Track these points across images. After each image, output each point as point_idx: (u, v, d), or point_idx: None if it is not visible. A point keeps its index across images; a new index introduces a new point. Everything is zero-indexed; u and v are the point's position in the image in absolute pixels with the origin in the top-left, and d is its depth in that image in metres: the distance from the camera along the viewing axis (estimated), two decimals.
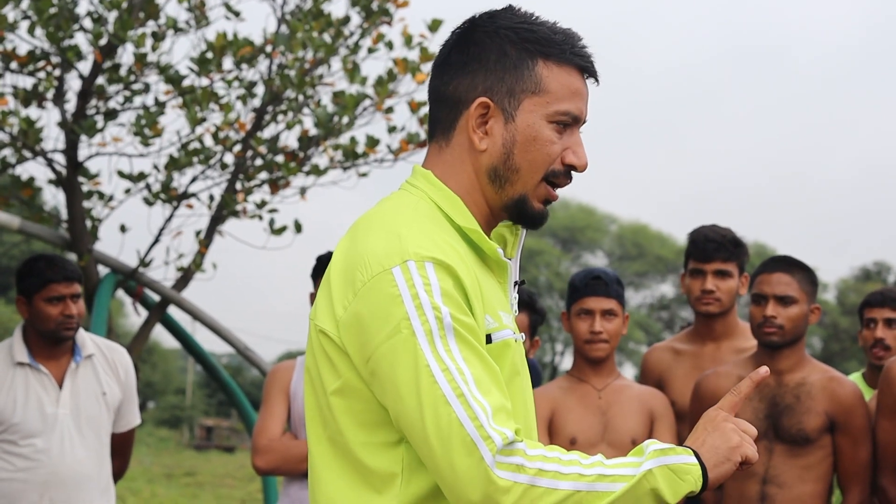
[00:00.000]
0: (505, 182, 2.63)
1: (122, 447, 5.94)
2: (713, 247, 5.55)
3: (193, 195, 8.32)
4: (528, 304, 5.87)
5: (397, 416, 2.43)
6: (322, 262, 5.48)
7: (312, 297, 5.50)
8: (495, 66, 2.62)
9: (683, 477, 2.42)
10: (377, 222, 2.58)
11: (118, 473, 5.97)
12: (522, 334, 2.69)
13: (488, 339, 2.53)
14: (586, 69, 2.67)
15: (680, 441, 5.35)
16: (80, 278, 5.71)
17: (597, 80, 2.70)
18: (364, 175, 8.45)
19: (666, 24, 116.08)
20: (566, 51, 2.63)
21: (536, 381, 6.07)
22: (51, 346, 5.67)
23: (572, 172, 2.67)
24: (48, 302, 5.61)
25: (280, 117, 8.38)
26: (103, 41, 7.60)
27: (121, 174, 7.99)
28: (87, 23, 7.70)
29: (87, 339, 5.77)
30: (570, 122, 2.64)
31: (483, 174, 2.64)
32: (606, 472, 2.39)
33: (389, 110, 8.29)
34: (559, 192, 2.69)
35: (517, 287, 2.77)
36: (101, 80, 7.91)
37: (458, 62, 2.67)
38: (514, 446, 2.35)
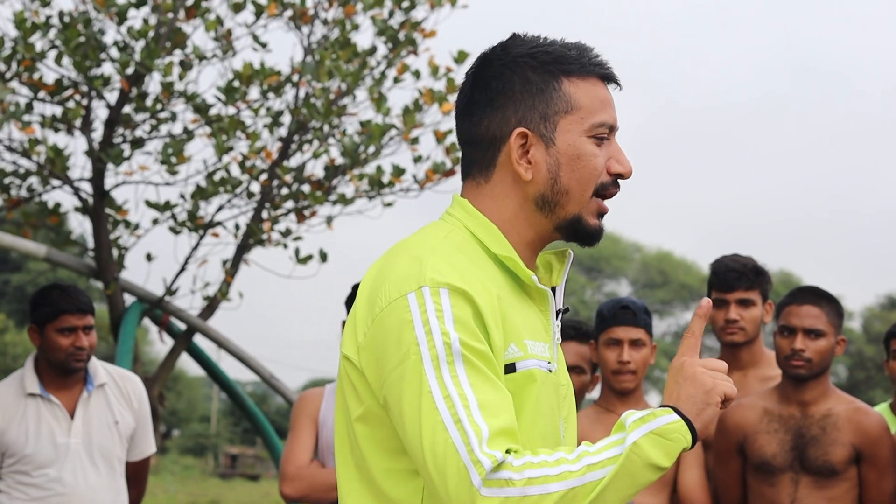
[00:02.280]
0: (555, 206, 2.61)
1: (137, 476, 5.92)
2: (734, 276, 5.53)
3: (220, 224, 8.34)
4: (585, 333, 5.72)
5: (403, 440, 2.43)
6: (357, 291, 5.45)
7: (344, 324, 5.49)
8: (522, 94, 2.60)
9: (671, 437, 2.40)
10: (406, 249, 2.58)
11: (135, 502, 5.95)
12: (555, 363, 2.64)
13: (512, 369, 2.51)
14: (607, 76, 2.65)
15: (709, 474, 5.33)
16: (93, 310, 5.70)
17: (619, 85, 2.68)
18: (389, 205, 8.46)
19: (713, 57, 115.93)
20: (585, 63, 2.61)
21: None
22: (62, 376, 5.66)
23: (619, 181, 2.65)
24: (59, 333, 5.60)
25: (306, 146, 8.40)
26: (130, 70, 7.64)
27: (148, 203, 8.02)
28: (114, 52, 7.74)
29: (99, 368, 5.76)
30: (607, 133, 2.62)
31: (529, 204, 2.62)
32: (593, 460, 2.37)
33: (415, 140, 8.30)
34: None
35: (560, 315, 2.73)
36: (127, 108, 7.94)
37: (483, 100, 2.64)
38: (503, 463, 2.33)
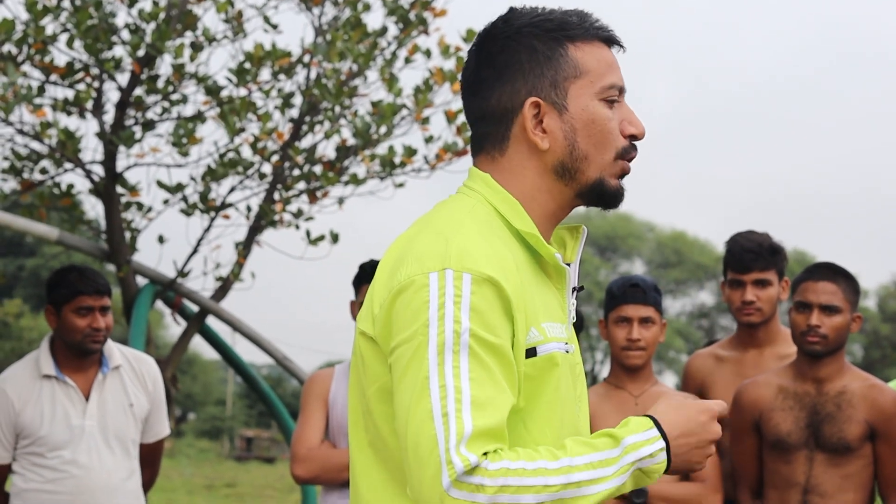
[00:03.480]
0: (575, 173, 2.59)
1: (151, 458, 5.92)
2: (751, 257, 5.50)
3: (231, 205, 8.34)
4: None
5: (395, 415, 2.41)
6: (364, 270, 5.47)
7: (353, 304, 5.51)
8: (530, 64, 2.58)
9: (651, 476, 2.44)
10: (432, 224, 2.55)
11: (148, 484, 5.95)
12: (572, 344, 2.62)
13: (533, 353, 2.48)
14: (611, 39, 2.64)
15: (723, 452, 5.33)
16: (110, 292, 5.70)
17: (622, 47, 2.67)
18: (401, 185, 8.45)
19: (744, 31, 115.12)
20: (587, 28, 2.61)
21: None
22: (78, 357, 5.66)
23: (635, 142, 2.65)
24: (77, 313, 5.60)
25: (318, 127, 8.40)
26: (141, 52, 7.64)
27: (160, 184, 8.02)
28: (125, 34, 7.74)
29: (114, 350, 5.77)
30: (617, 95, 2.61)
31: (549, 173, 2.60)
32: (574, 478, 2.35)
33: (426, 121, 8.28)
34: None
35: (576, 293, 2.71)
36: (139, 90, 7.95)
37: (491, 76, 2.62)
38: (477, 467, 2.30)
